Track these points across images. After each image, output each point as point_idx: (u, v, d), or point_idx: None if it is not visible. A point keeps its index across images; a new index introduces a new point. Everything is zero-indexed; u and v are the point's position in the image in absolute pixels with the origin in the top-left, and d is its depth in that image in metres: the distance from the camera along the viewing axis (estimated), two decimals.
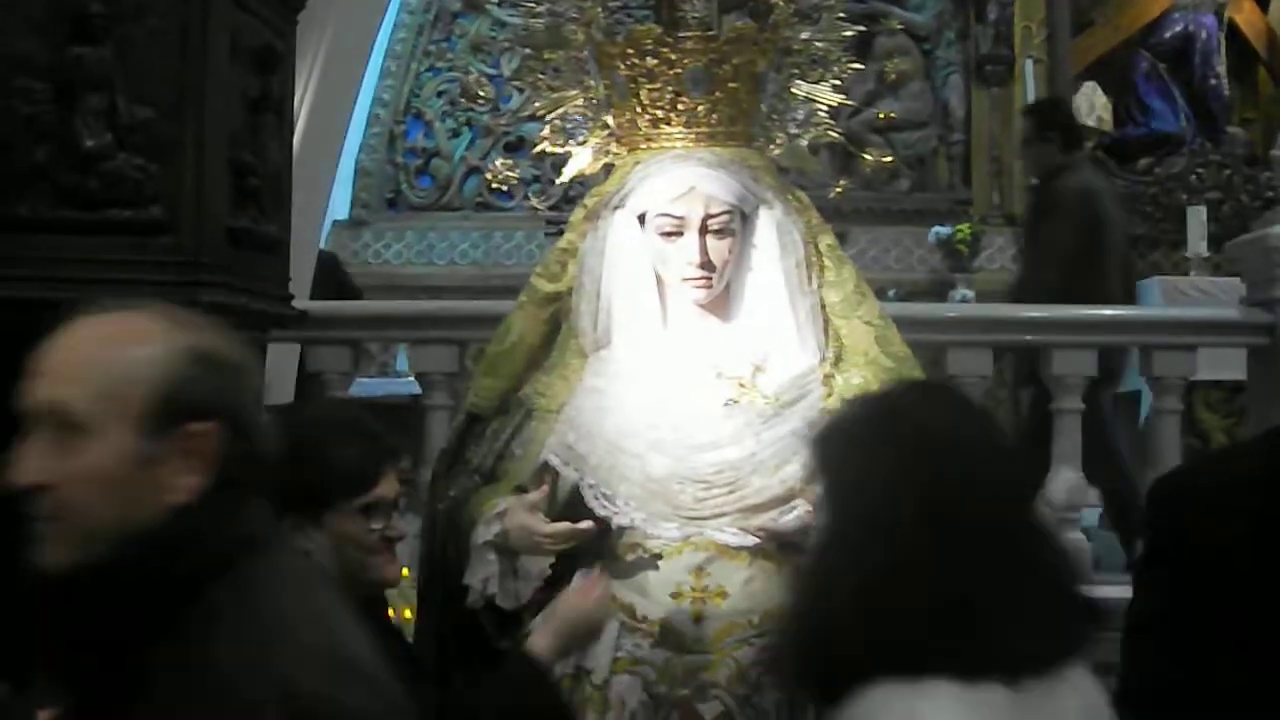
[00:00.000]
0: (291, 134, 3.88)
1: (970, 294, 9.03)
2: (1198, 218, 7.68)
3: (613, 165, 2.75)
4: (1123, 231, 6.34)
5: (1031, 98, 9.51)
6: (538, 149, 2.86)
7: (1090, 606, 1.74)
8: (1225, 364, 5.59)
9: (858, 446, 1.77)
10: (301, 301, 4.24)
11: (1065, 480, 5.30)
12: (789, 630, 1.82)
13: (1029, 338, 5.58)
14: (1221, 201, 9.43)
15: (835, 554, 1.73)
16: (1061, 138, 6.28)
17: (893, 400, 1.87)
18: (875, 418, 1.80)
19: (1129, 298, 6.21)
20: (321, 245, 9.72)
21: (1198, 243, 7.51)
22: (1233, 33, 10.07)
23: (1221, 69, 9.90)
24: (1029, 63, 9.76)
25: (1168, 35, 9.98)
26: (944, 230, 9.47)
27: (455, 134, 10.41)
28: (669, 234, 2.59)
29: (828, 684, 1.67)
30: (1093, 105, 10.12)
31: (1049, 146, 6.27)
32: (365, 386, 7.90)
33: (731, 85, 2.65)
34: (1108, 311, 6.13)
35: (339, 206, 10.20)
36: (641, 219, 2.64)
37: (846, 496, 1.75)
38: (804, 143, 2.77)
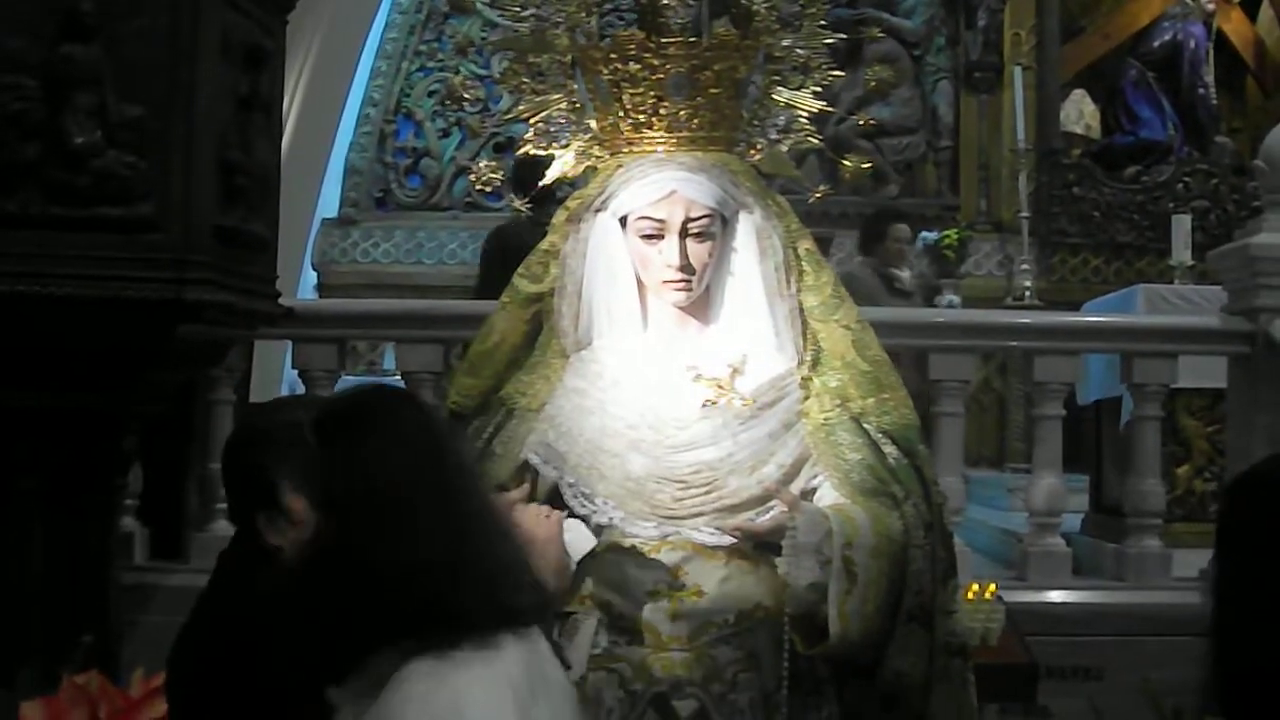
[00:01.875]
0: (280, 132, 3.90)
1: (957, 299, 9.07)
2: (1182, 226, 7.74)
3: (595, 168, 2.78)
4: None
5: (1020, 105, 9.56)
6: (520, 151, 2.89)
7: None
8: (1207, 371, 5.63)
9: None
10: (289, 300, 4.27)
11: (1046, 486, 5.35)
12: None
13: (1012, 343, 5.64)
14: (1209, 210, 9.49)
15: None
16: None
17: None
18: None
19: None
20: (308, 243, 9.77)
21: (1182, 251, 7.57)
22: (1221, 42, 10.13)
23: (1210, 78, 9.96)
24: (1018, 70, 9.80)
25: (1157, 44, 10.03)
26: (931, 235, 9.51)
27: (445, 134, 10.44)
28: (649, 237, 2.61)
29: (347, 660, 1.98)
30: (1081, 113, 10.19)
31: None
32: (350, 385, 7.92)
33: (713, 91, 2.67)
34: (1091, 319, 6.19)
35: (329, 205, 10.24)
36: (623, 222, 2.66)
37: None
38: (784, 148, 2.80)
